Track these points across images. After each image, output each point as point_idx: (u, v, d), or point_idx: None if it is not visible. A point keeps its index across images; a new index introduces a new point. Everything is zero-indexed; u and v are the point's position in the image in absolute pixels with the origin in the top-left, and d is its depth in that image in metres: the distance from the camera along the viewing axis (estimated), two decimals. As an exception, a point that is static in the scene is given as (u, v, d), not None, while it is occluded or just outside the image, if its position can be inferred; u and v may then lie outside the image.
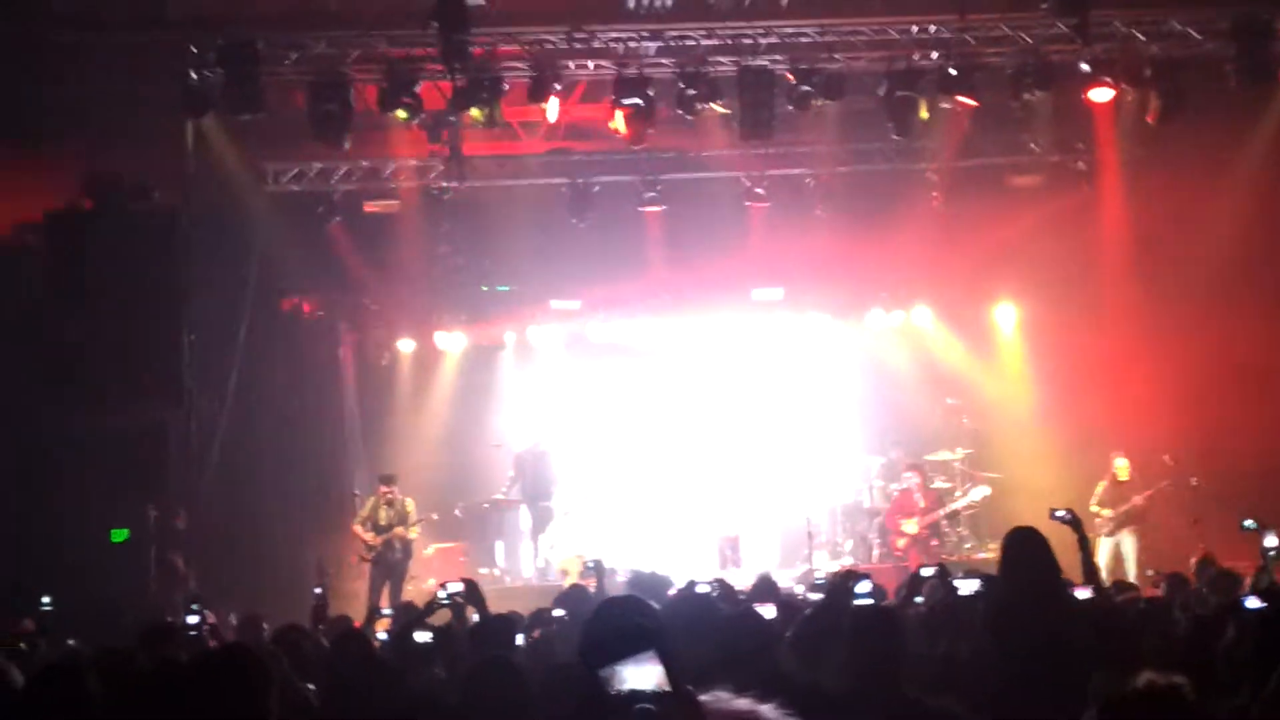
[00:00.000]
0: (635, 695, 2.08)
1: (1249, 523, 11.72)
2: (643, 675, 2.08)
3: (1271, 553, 9.87)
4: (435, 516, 17.74)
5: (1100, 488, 16.89)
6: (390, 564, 16.89)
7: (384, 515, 17.01)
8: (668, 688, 2.06)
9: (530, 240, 18.90)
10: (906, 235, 18.74)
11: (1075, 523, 8.21)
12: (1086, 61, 16.14)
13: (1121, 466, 16.93)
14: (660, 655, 2.12)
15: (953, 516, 18.06)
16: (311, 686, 6.55)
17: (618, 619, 2.18)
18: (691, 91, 15.96)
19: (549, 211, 18.63)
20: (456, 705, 4.90)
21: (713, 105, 16.24)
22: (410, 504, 17.13)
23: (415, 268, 19.06)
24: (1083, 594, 7.76)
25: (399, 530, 16.92)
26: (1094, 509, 16.57)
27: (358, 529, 17.04)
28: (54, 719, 5.32)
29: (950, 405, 19.24)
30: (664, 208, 18.61)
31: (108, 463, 14.60)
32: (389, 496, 17.08)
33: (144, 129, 15.22)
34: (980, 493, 17.92)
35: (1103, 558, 15.69)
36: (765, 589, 9.54)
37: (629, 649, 2.10)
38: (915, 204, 18.86)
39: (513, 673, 5.47)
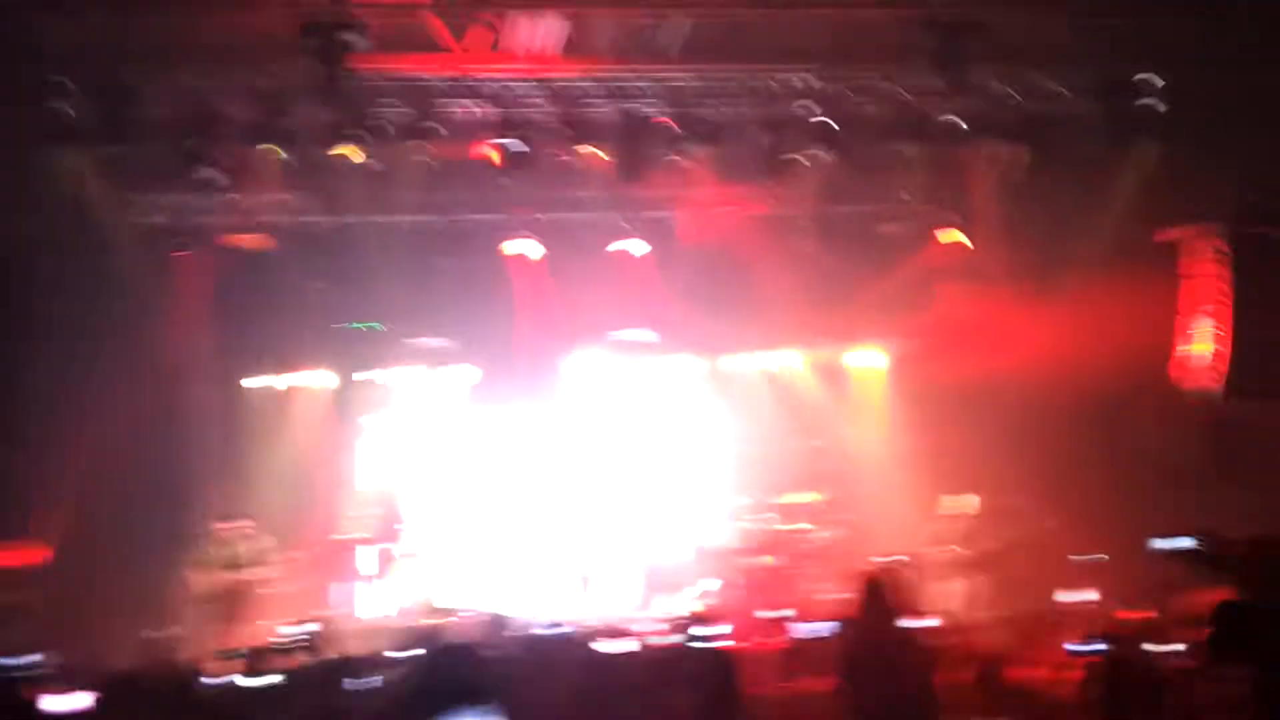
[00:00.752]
0: None
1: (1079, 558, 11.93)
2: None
3: None
4: (296, 555, 17.41)
5: (950, 526, 17.16)
6: (229, 605, 16.51)
7: (228, 553, 16.65)
8: None
9: (398, 278, 18.69)
10: (778, 279, 18.92)
11: (911, 567, 8.43)
12: (957, 115, 16.54)
13: (970, 502, 17.29)
14: (485, 696, 2.10)
15: (809, 558, 18.24)
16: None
17: (452, 671, 2.14)
18: (571, 133, 16.08)
19: (418, 250, 18.49)
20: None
21: (591, 148, 16.35)
22: (255, 543, 16.81)
23: (281, 303, 18.73)
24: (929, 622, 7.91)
25: (243, 570, 16.58)
26: (949, 548, 16.88)
27: (198, 570, 16.63)
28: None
29: (814, 447, 19.45)
30: (537, 249, 18.58)
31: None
32: (238, 532, 16.73)
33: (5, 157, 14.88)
34: (836, 532, 18.18)
35: (957, 599, 15.91)
36: (617, 629, 9.53)
37: (463, 703, 2.07)
38: (787, 250, 19.05)
39: (347, 714, 5.39)
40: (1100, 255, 17.16)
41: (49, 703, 6.08)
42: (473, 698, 2.01)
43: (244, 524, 16.82)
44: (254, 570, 16.68)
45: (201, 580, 16.50)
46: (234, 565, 16.55)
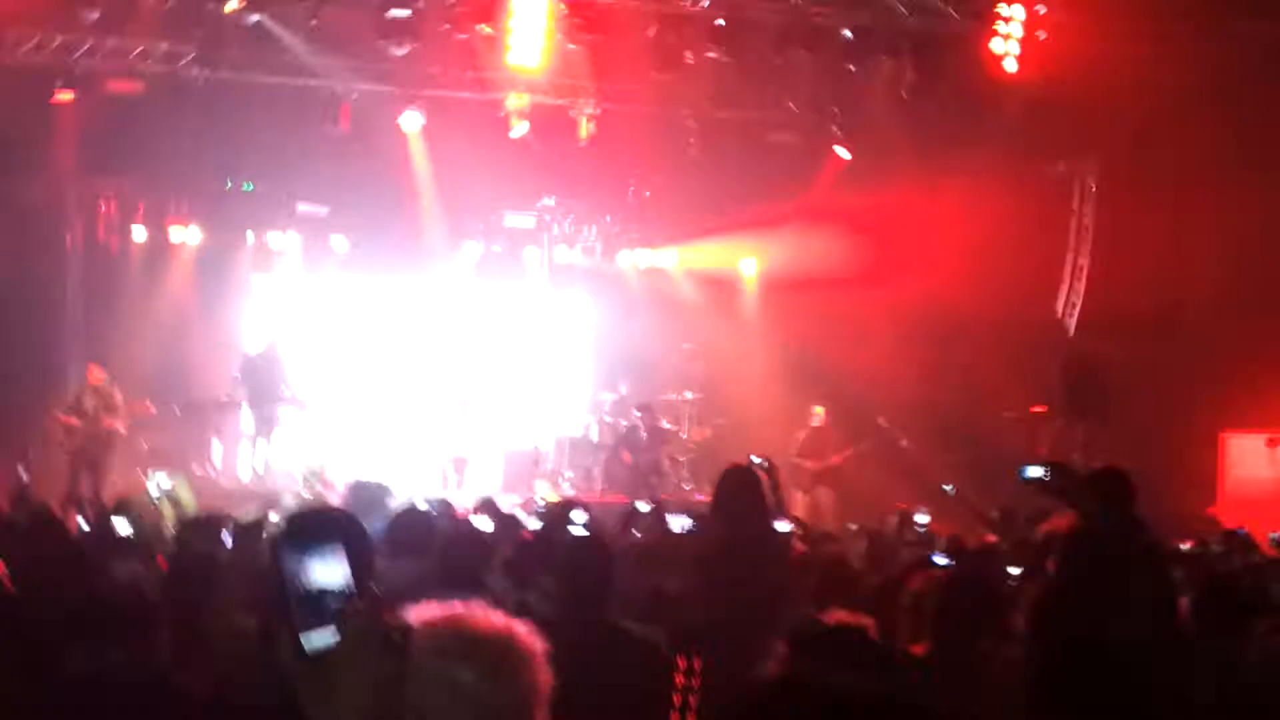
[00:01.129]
0: (321, 590, 2.08)
1: (948, 487, 12.45)
2: (330, 569, 2.09)
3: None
4: (152, 408, 17.20)
5: (802, 435, 17.54)
6: (91, 454, 16.33)
7: (89, 402, 16.43)
8: (353, 586, 2.07)
9: (280, 142, 18.33)
10: (662, 179, 18.97)
11: (770, 470, 8.57)
12: (849, 28, 16.63)
13: (817, 413, 17.67)
14: (350, 551, 2.13)
15: (675, 457, 18.56)
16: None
17: (310, 515, 2.18)
18: (463, 10, 15.82)
19: (302, 114, 18.12)
20: (155, 599, 4.78)
21: (482, 27, 16.11)
22: (118, 394, 16.60)
23: (156, 156, 18.25)
24: (782, 526, 8.09)
25: (105, 419, 16.38)
26: (796, 459, 17.25)
27: (59, 415, 16.41)
28: None
29: (685, 349, 19.63)
30: (423, 124, 18.34)
31: None
32: (96, 383, 16.50)
33: None
34: (703, 432, 18.50)
35: (801, 510, 16.26)
36: (486, 508, 9.63)
37: (319, 540, 2.10)
38: (673, 149, 19.04)
39: (214, 568, 5.41)
40: (978, 180, 17.41)
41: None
42: (327, 537, 2.06)
43: (101, 373, 16.53)
44: (114, 420, 16.44)
45: (65, 425, 16.25)
46: (96, 413, 16.29)
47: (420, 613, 2.41)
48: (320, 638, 2.08)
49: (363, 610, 2.08)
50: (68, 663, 4.46)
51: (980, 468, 15.71)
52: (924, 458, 16.97)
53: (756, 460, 8.67)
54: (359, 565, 2.12)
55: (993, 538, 11.09)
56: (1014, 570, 8.80)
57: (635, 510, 10.63)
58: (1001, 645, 5.70)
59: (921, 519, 11.70)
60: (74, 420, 16.30)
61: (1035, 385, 17.25)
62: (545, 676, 2.51)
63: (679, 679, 3.78)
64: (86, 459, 16.28)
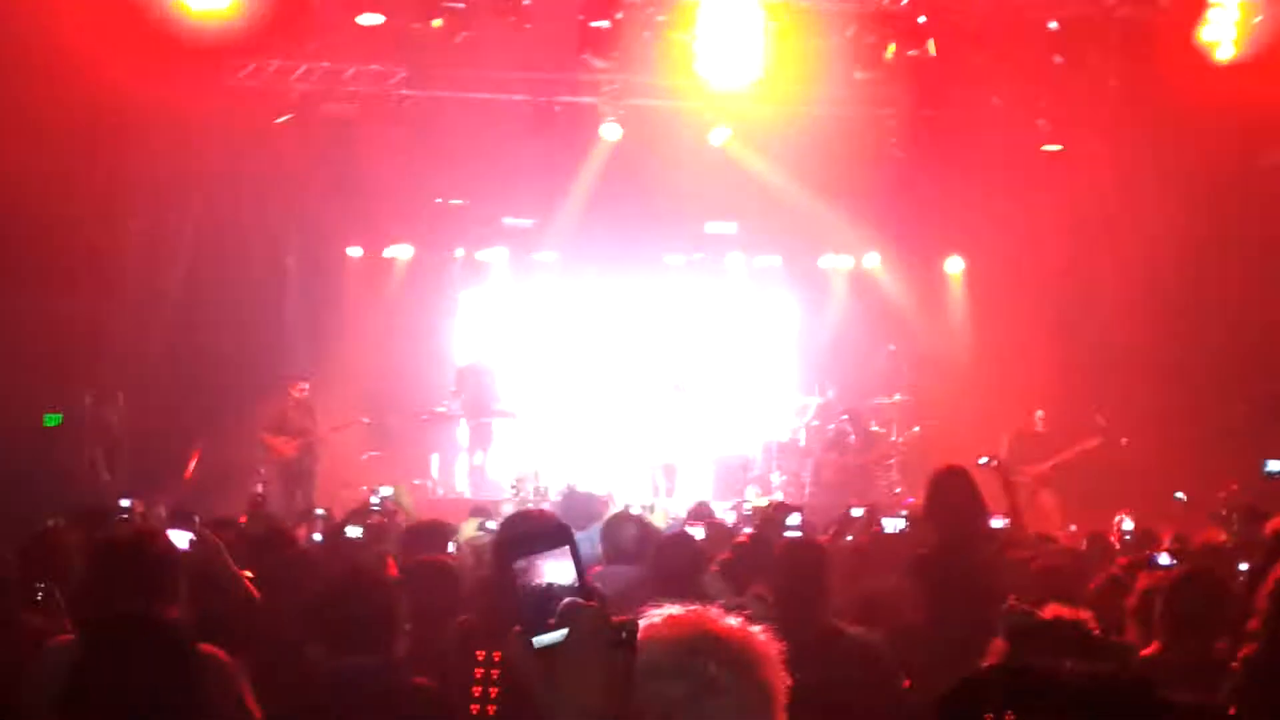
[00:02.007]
0: (548, 588, 2.13)
1: (1180, 495, 11.97)
2: (556, 569, 2.13)
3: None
4: (366, 420, 17.68)
5: (1010, 437, 16.91)
6: (301, 467, 16.84)
7: (294, 418, 16.92)
8: (579, 585, 2.12)
9: (486, 156, 18.72)
10: (864, 180, 18.79)
11: (1001, 469, 8.37)
12: (1055, 20, 16.25)
13: (1037, 418, 17.13)
14: (573, 553, 2.18)
15: (884, 460, 18.35)
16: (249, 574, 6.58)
17: (533, 518, 2.23)
18: (660, 17, 15.92)
19: (507, 128, 18.48)
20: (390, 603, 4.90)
21: (681, 35, 16.18)
22: (315, 408, 17.10)
23: (369, 176, 18.84)
24: (998, 523, 7.92)
25: (311, 433, 16.87)
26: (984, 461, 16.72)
27: (266, 437, 16.89)
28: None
29: (891, 352, 19.38)
30: (623, 133, 18.53)
31: (44, 347, 14.47)
32: (299, 397, 16.99)
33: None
34: (912, 434, 18.24)
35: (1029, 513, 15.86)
36: (699, 515, 9.68)
37: (545, 543, 2.14)
38: (875, 149, 18.84)
39: (448, 573, 5.54)
40: (1197, 174, 16.82)
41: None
42: (553, 540, 2.11)
43: (304, 389, 17.02)
44: (311, 434, 16.95)
45: (277, 443, 16.81)
46: (302, 429, 16.82)
47: (659, 613, 2.46)
48: (549, 636, 2.12)
49: (591, 607, 2.12)
50: (310, 662, 4.60)
51: (1206, 465, 15.16)
52: (1146, 456, 16.41)
53: (984, 460, 8.50)
54: (581, 566, 2.16)
55: (1221, 536, 10.69)
56: (1243, 566, 8.49)
57: (848, 514, 10.57)
58: (1236, 644, 5.50)
59: (1128, 524, 11.27)
60: (282, 441, 16.78)
61: (1260, 382, 16.54)
62: (783, 676, 2.53)
63: (478, 671, 3.72)
64: (296, 473, 16.77)
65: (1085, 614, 4.50)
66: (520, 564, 2.15)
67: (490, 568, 5.45)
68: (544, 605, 2.13)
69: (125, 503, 9.31)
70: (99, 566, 4.83)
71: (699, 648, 2.42)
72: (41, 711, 3.77)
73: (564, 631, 2.12)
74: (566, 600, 2.14)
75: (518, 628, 2.12)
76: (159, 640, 3.53)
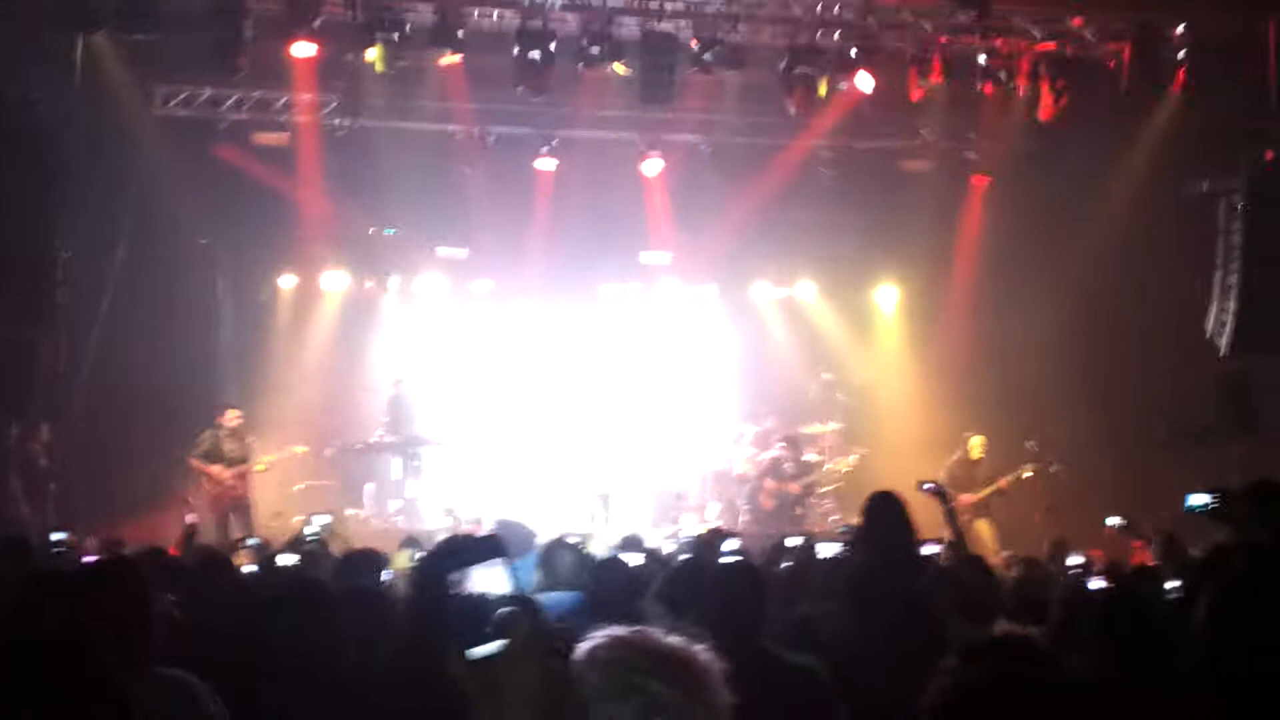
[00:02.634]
0: (482, 599, 2.13)
1: (1113, 520, 12.06)
2: (490, 580, 2.13)
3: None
4: (300, 449, 17.51)
5: (950, 464, 16.99)
6: (236, 496, 16.63)
7: (228, 448, 16.73)
8: (513, 598, 2.12)
9: (420, 185, 18.70)
10: (797, 210, 18.97)
11: (942, 494, 8.43)
12: (984, 53, 16.49)
13: (975, 444, 17.15)
14: (507, 566, 2.18)
15: (819, 487, 18.44)
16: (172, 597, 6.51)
17: (470, 537, 2.24)
18: (594, 49, 15.98)
19: (441, 158, 18.50)
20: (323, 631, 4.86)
21: (614, 66, 16.26)
22: (251, 435, 16.94)
23: (302, 204, 18.77)
24: (929, 549, 7.97)
25: (247, 462, 16.69)
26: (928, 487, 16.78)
27: (197, 463, 16.63)
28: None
29: (826, 380, 19.48)
30: (558, 164, 18.59)
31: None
32: (232, 426, 16.81)
33: (32, 42, 14.83)
34: (847, 462, 18.33)
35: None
36: (632, 545, 9.66)
37: (479, 555, 2.15)
38: (807, 180, 19.03)
39: (382, 599, 5.51)
40: (1122, 203, 17.13)
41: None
42: (487, 553, 2.12)
43: (238, 417, 16.82)
44: (256, 464, 16.78)
45: (207, 474, 16.59)
46: (238, 459, 16.63)
47: (601, 635, 2.47)
48: (486, 648, 2.12)
49: (527, 617, 2.12)
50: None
51: (1136, 491, 15.37)
52: (1077, 483, 16.60)
53: (928, 486, 8.54)
54: (515, 577, 2.17)
55: (1151, 561, 10.82)
56: (1170, 585, 8.59)
57: (782, 543, 10.59)
58: (1164, 665, 5.56)
59: (1074, 560, 11.30)
60: (217, 468, 16.57)
61: (1188, 406, 16.77)
62: (727, 694, 2.54)
63: None
64: (231, 502, 16.54)
65: (1033, 630, 4.56)
66: (454, 576, 2.14)
67: (422, 582, 5.40)
68: (479, 617, 2.13)
69: (58, 536, 9.17)
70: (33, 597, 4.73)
71: (644, 668, 2.42)
72: None
73: (501, 643, 2.11)
74: (502, 610, 2.14)
75: (454, 639, 2.12)
76: (84, 668, 3.46)
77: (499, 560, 2.15)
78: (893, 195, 18.97)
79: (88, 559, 7.96)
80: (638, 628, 2.54)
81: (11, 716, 3.18)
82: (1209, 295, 16.13)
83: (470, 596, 2.11)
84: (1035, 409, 17.73)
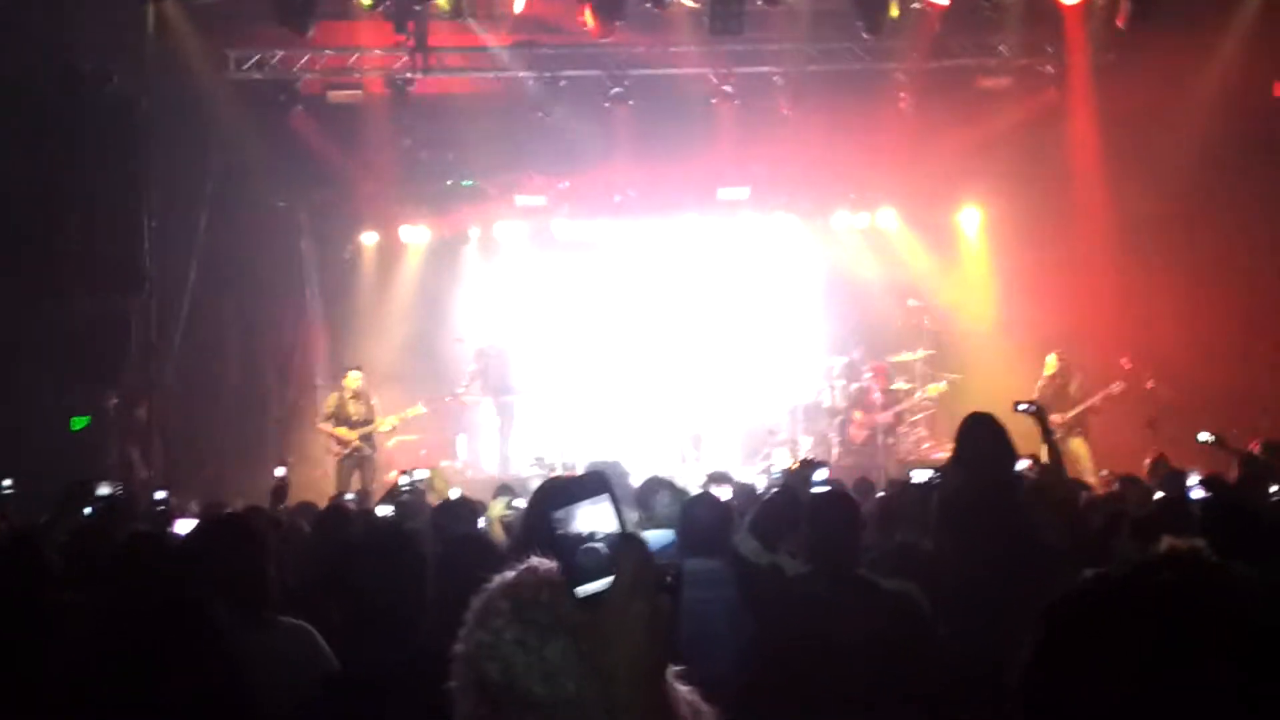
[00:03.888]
0: (589, 536, 2.10)
1: (1204, 436, 11.86)
2: (596, 517, 2.10)
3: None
4: (424, 409, 17.67)
5: (1041, 384, 16.75)
6: (362, 458, 16.92)
7: (353, 409, 16.98)
8: (621, 533, 2.09)
9: (495, 135, 18.70)
10: (874, 136, 18.70)
11: (1040, 414, 8.30)
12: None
13: (1050, 362, 16.86)
14: (612, 501, 2.14)
15: (910, 416, 18.29)
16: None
17: (574, 476, 2.22)
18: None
19: (514, 106, 18.47)
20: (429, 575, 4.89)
21: (681, 0, 16.12)
22: (375, 399, 17.17)
23: (379, 160, 18.87)
24: (1021, 465, 7.87)
25: (371, 425, 16.95)
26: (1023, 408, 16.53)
27: (325, 427, 16.97)
28: (14, 588, 5.33)
29: (912, 307, 19.22)
30: (630, 104, 18.49)
31: (67, 350, 14.53)
32: (357, 389, 17.03)
33: (104, 12, 14.99)
34: (937, 388, 18.14)
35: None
36: (719, 479, 9.65)
37: (583, 492, 2.12)
38: (883, 105, 18.74)
39: (486, 545, 5.53)
40: (1211, 108, 16.67)
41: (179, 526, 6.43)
42: (593, 488, 2.08)
43: (359, 376, 17.06)
44: (381, 423, 17.03)
45: (334, 437, 16.87)
46: (362, 420, 16.89)
47: (494, 581, 2.41)
48: (593, 584, 2.10)
49: (636, 552, 2.09)
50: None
51: (1239, 402, 15.11)
52: (1174, 399, 16.31)
53: (1024, 405, 8.41)
54: (622, 514, 2.14)
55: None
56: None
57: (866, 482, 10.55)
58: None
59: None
60: (344, 431, 16.87)
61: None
62: None
63: None
64: (353, 464, 16.83)
65: (1199, 543, 4.47)
66: (559, 514, 2.13)
67: (528, 520, 5.44)
68: (588, 553, 2.11)
69: (160, 495, 9.34)
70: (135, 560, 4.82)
71: (556, 600, 2.36)
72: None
73: (608, 579, 2.09)
74: (609, 546, 2.11)
75: (563, 576, 2.09)
76: (187, 620, 3.50)
77: (605, 496, 2.11)
78: (972, 114, 18.61)
79: (188, 519, 8.10)
80: (522, 565, 2.46)
81: (127, 681, 3.24)
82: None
83: (576, 534, 2.08)
84: (1128, 324, 17.43)
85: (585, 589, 2.09)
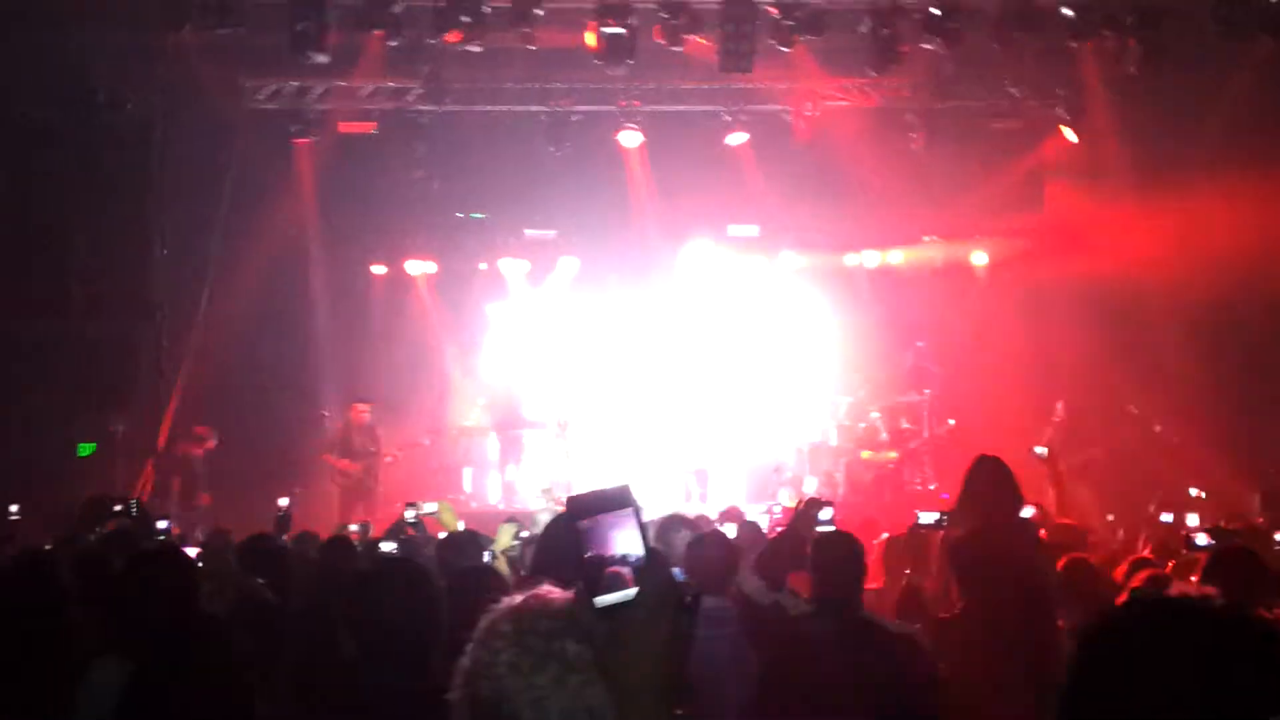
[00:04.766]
0: (615, 549, 2.12)
1: (1039, 449, 11.43)
2: (620, 531, 2.12)
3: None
4: (427, 442, 17.66)
5: (1049, 429, 16.66)
6: (364, 488, 16.93)
7: (357, 440, 17.01)
8: (644, 550, 2.10)
9: (505, 168, 18.78)
10: (885, 176, 18.75)
11: (1050, 460, 8.33)
12: (1069, 7, 16.16)
13: (1057, 409, 16.81)
14: (636, 517, 2.17)
15: (916, 456, 18.25)
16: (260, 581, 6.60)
17: (602, 491, 2.24)
18: (674, 21, 15.90)
19: (526, 140, 18.54)
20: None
21: (695, 37, 16.18)
22: (378, 429, 17.20)
23: (389, 192, 18.93)
24: (1026, 512, 7.88)
25: (375, 455, 16.98)
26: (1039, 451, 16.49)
27: (329, 457, 16.99)
28: (27, 607, 5.35)
29: (919, 348, 19.24)
30: (642, 140, 18.55)
31: (73, 373, 14.57)
32: (361, 422, 17.07)
33: (122, 37, 15.07)
34: (943, 430, 18.11)
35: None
36: (731, 517, 9.67)
37: (609, 505, 2.14)
38: (895, 145, 18.80)
39: (493, 577, 5.54)
40: (1214, 155, 16.68)
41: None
42: (619, 503, 2.11)
43: (366, 411, 17.12)
44: (374, 455, 17.05)
45: (338, 469, 16.90)
46: (365, 451, 16.91)
47: (497, 609, 2.46)
48: (615, 595, 2.12)
49: (661, 568, 2.11)
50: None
51: (1242, 451, 15.05)
52: (1181, 445, 16.26)
53: (1041, 450, 8.46)
54: (645, 530, 2.15)
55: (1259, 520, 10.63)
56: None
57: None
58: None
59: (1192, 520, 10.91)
60: (346, 462, 16.90)
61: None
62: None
63: None
64: (359, 494, 16.87)
65: (1210, 590, 4.47)
66: (585, 525, 2.14)
67: (551, 530, 5.46)
68: (612, 569, 2.13)
69: (161, 524, 9.34)
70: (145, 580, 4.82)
71: (556, 631, 2.39)
72: None
73: (632, 591, 2.10)
74: (632, 560, 2.13)
75: (587, 590, 2.11)
76: (211, 653, 3.53)
77: (630, 510, 2.13)
78: (982, 155, 18.66)
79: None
80: (530, 591, 2.51)
81: None
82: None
83: (600, 546, 2.10)
84: (1137, 370, 17.38)
85: (605, 599, 2.10)
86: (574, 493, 2.26)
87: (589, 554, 2.11)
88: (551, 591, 2.45)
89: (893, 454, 18.15)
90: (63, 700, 4.63)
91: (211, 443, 16.19)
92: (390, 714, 4.03)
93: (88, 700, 4.45)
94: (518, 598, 2.48)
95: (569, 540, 2.17)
